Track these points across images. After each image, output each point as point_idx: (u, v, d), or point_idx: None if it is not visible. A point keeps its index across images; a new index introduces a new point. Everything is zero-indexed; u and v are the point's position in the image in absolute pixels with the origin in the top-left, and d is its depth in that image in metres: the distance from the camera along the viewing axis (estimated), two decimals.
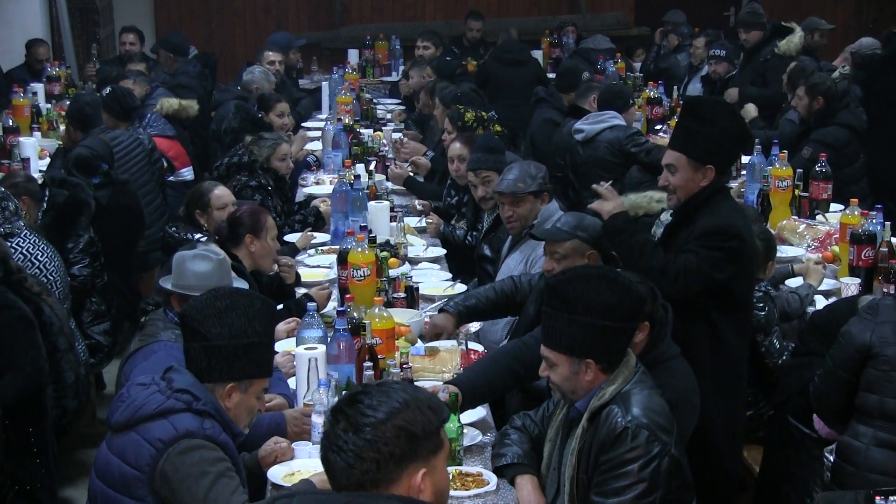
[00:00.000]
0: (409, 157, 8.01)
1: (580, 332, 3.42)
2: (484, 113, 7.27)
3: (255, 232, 5.19)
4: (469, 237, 6.36)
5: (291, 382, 4.33)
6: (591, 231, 4.54)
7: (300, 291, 5.50)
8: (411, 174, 7.66)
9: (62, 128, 8.57)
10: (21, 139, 8.03)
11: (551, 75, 10.36)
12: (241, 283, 4.27)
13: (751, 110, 8.59)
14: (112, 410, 3.35)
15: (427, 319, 5.04)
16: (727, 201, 4.41)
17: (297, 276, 5.66)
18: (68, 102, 9.38)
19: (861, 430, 3.91)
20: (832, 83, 7.34)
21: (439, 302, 5.13)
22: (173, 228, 5.80)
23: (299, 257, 6.13)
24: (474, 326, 5.10)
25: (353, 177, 6.76)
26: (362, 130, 8.60)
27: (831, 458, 4.08)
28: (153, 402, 3.25)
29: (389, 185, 7.45)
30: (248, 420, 3.49)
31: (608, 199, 4.44)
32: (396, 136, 8.81)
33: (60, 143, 8.02)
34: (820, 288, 5.40)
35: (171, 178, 8.11)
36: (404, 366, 4.25)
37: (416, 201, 7.14)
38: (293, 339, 4.63)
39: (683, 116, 4.51)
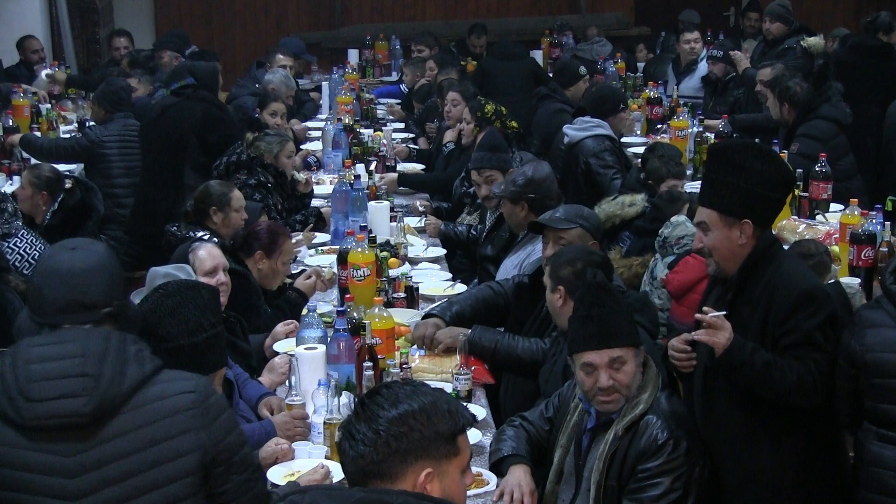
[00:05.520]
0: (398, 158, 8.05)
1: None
2: (503, 108, 7.28)
3: (268, 251, 5.17)
4: (474, 231, 6.36)
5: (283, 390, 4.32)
6: (593, 221, 4.86)
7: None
8: (399, 172, 7.66)
9: (62, 128, 8.57)
10: None
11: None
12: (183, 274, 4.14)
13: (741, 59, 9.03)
14: None
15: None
16: (788, 257, 3.93)
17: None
18: (66, 102, 9.38)
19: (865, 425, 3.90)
20: (796, 88, 7.34)
21: (440, 302, 5.12)
22: (174, 227, 5.79)
23: (300, 257, 6.13)
24: None
25: (353, 177, 6.76)
26: (362, 130, 8.60)
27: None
28: None
29: None
30: None
31: (719, 329, 3.67)
32: (396, 136, 8.81)
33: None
34: None
35: None
36: (404, 366, 4.26)
37: (417, 202, 7.13)
38: (293, 340, 4.64)
39: (710, 165, 3.96)
